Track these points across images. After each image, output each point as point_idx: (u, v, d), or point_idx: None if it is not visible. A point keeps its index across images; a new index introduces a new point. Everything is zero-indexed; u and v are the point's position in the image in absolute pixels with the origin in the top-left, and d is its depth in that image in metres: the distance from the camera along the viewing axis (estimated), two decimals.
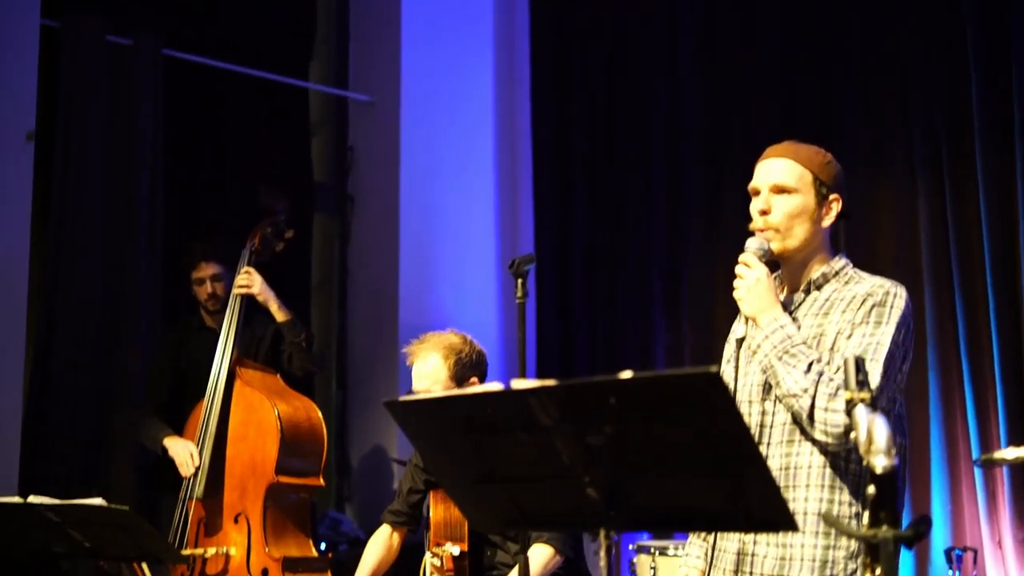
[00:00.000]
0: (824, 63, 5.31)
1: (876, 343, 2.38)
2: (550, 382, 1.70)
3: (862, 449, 1.71)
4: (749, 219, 2.56)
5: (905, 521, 1.88)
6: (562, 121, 6.35)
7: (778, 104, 5.44)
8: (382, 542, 3.56)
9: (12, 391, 4.68)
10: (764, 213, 2.52)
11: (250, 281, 4.44)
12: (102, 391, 5.00)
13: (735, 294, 2.51)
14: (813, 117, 5.30)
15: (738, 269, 2.51)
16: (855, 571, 2.40)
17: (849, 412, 1.79)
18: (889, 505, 1.67)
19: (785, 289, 2.60)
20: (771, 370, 2.43)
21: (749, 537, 2.50)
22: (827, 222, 2.54)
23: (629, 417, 1.68)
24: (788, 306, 2.53)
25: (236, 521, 4.10)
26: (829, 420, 2.33)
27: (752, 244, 2.52)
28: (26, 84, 4.84)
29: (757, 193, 2.55)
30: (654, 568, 4.20)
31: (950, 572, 4.38)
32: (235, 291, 4.44)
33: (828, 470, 2.42)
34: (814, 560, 2.41)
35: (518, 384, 1.74)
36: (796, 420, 2.42)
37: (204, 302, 4.64)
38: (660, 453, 1.73)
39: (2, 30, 4.80)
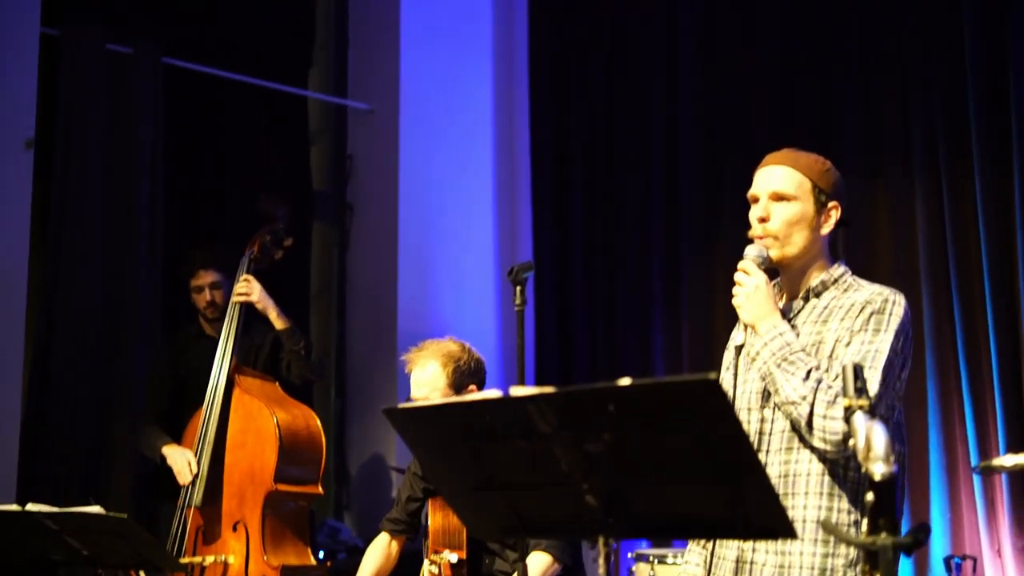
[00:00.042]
0: (824, 63, 5.31)
1: (875, 351, 2.38)
2: (549, 389, 1.69)
3: (860, 456, 1.71)
4: (748, 220, 2.56)
5: (904, 528, 1.88)
6: (561, 128, 6.34)
7: (778, 104, 5.44)
8: (380, 550, 3.56)
9: (11, 398, 4.68)
10: (763, 220, 2.52)
11: (249, 289, 4.44)
12: (101, 399, 5.00)
13: (734, 301, 2.51)
14: (813, 117, 5.30)
15: (737, 276, 2.51)
16: None
17: (848, 419, 1.78)
18: (888, 512, 1.67)
19: (784, 296, 2.60)
20: (770, 377, 2.43)
21: (748, 545, 2.49)
22: (826, 230, 2.54)
23: (628, 424, 1.67)
24: (787, 313, 2.53)
25: (235, 529, 4.09)
26: (828, 427, 2.33)
27: (751, 251, 2.52)
28: (26, 92, 4.85)
29: (756, 200, 2.55)
30: None
31: None
32: (234, 299, 4.44)
33: (827, 478, 2.41)
34: (813, 568, 2.41)
35: (517, 391, 1.74)
36: (795, 428, 2.42)
37: (203, 310, 4.64)
38: (659, 460, 1.73)
39: (2, 38, 4.80)
